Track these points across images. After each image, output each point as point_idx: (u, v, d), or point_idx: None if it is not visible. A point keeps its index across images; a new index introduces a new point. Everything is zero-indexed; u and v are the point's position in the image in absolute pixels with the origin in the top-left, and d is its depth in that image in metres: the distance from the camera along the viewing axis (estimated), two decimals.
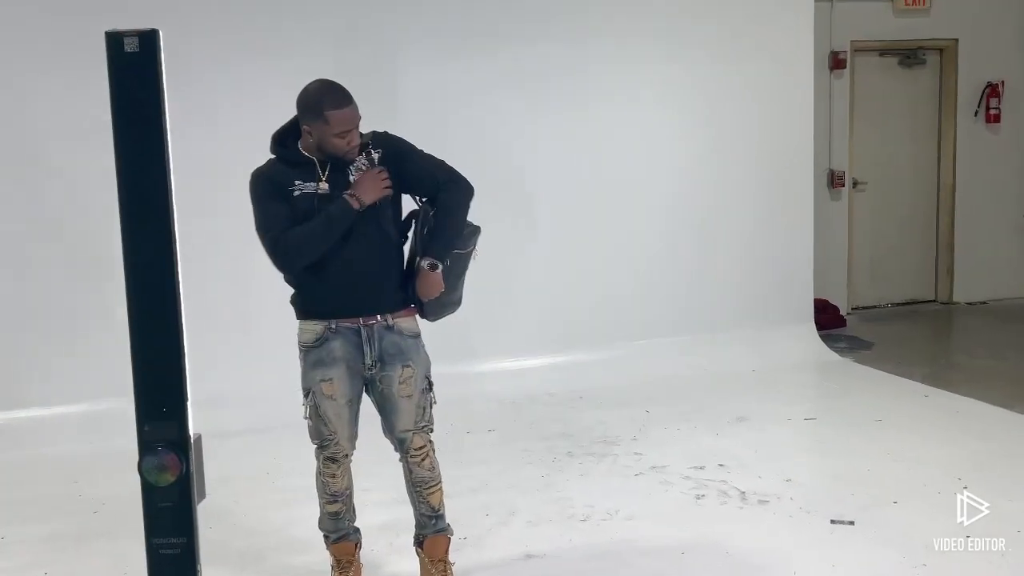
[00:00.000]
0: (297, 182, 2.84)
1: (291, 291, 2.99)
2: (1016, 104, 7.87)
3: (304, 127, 2.85)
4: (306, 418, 2.97)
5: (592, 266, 5.97)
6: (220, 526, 3.62)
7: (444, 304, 3.03)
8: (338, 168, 2.88)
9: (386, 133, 2.98)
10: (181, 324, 1.38)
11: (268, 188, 2.85)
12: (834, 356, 6.31)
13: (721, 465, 4.25)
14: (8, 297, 5.05)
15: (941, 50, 7.83)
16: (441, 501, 3.11)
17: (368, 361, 2.91)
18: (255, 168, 2.91)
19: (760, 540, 3.49)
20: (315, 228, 2.79)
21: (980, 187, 7.91)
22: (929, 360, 6.33)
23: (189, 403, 1.38)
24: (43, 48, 4.99)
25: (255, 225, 2.86)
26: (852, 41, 7.48)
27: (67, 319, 5.09)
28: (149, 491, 1.37)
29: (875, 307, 7.88)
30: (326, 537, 3.16)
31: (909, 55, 7.76)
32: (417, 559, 3.16)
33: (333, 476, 3.04)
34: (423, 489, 3.06)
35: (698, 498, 3.91)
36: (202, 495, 1.44)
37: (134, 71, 1.32)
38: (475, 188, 3.01)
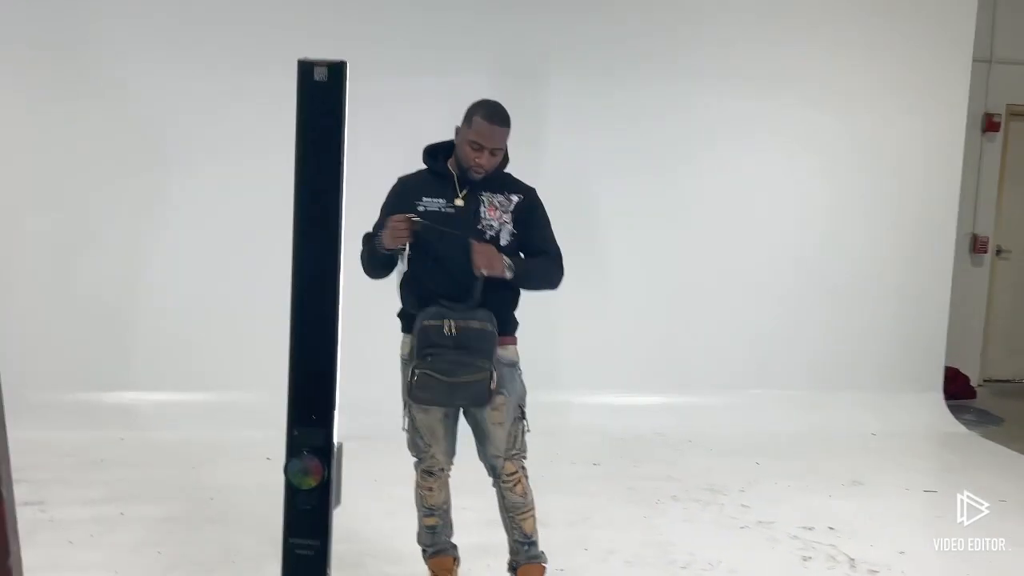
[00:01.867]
0: (425, 199, 2.91)
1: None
2: None
3: (458, 125, 2.96)
4: (404, 430, 3.06)
5: (716, 309, 5.90)
6: None
7: (439, 400, 2.92)
8: (474, 192, 2.94)
9: (536, 191, 3.04)
10: (338, 339, 1.46)
11: (392, 199, 3.00)
12: (960, 428, 6.05)
13: (831, 528, 4.13)
14: (156, 284, 5.33)
15: None
16: (534, 528, 3.12)
17: None
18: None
19: None
20: (363, 253, 2.97)
21: None
22: None
23: (337, 412, 1.45)
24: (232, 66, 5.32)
25: None
26: (1008, 104, 7.21)
27: (206, 311, 5.34)
28: (292, 493, 1.44)
29: (1009, 381, 7.52)
30: (424, 551, 3.22)
31: None
32: None
33: (430, 489, 3.11)
34: (515, 515, 3.09)
35: (804, 559, 3.80)
36: (338, 502, 1.50)
37: (321, 99, 1.41)
38: (565, 275, 3.07)
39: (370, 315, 5.27)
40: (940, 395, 6.26)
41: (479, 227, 2.90)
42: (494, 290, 2.89)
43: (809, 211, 5.99)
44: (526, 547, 3.12)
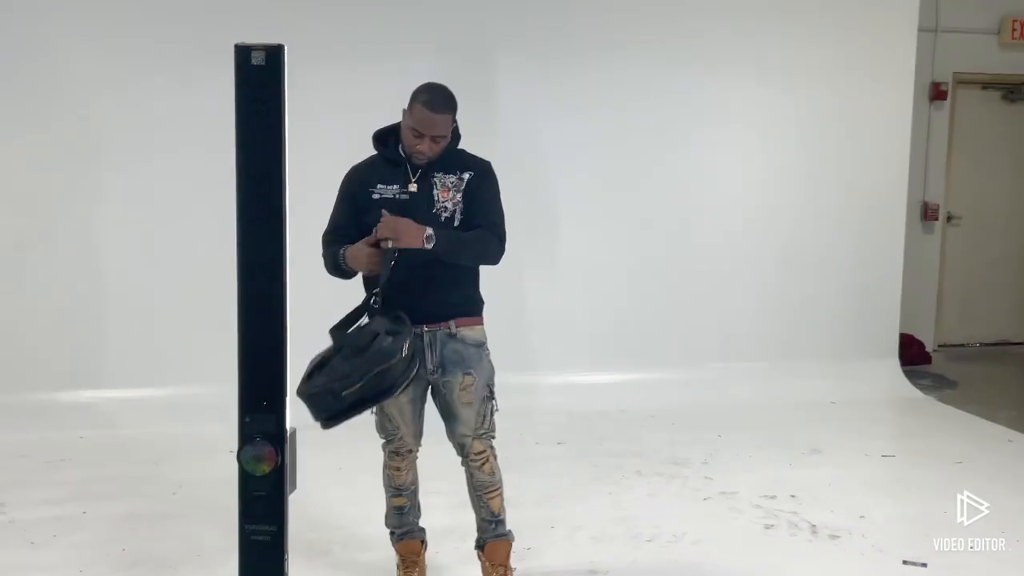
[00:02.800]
0: (380, 185, 2.90)
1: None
2: None
3: (403, 110, 2.91)
4: (372, 412, 3.02)
5: (673, 285, 5.95)
6: (290, 517, 3.69)
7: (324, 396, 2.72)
8: (427, 175, 2.90)
9: (490, 165, 3.01)
10: (286, 324, 1.44)
11: (347, 187, 2.98)
12: (917, 393, 6.16)
13: (793, 496, 4.19)
14: (110, 281, 5.25)
15: None
16: (502, 506, 3.13)
17: (429, 366, 2.94)
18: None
19: (829, 575, 3.43)
20: (328, 259, 2.94)
21: None
22: (1016, 404, 6.13)
23: (288, 398, 1.44)
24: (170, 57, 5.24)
25: None
26: (954, 73, 7.31)
27: (161, 306, 5.28)
28: (245, 479, 1.43)
29: (963, 345, 7.67)
30: (392, 534, 3.22)
31: (1012, 90, 7.55)
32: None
33: (398, 469, 3.11)
34: (483, 493, 3.09)
35: (767, 528, 3.86)
36: (293, 487, 1.49)
37: (259, 83, 1.39)
38: (506, 249, 2.96)
39: (332, 302, 5.30)
40: (896, 361, 6.37)
41: (434, 211, 2.87)
42: (449, 269, 2.89)
43: (762, 186, 6.05)
44: (493, 525, 3.13)
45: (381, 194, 2.89)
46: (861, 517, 3.96)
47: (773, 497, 4.18)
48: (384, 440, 3.11)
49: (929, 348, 7.25)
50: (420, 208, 2.86)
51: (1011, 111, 7.61)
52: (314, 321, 4.83)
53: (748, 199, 6.04)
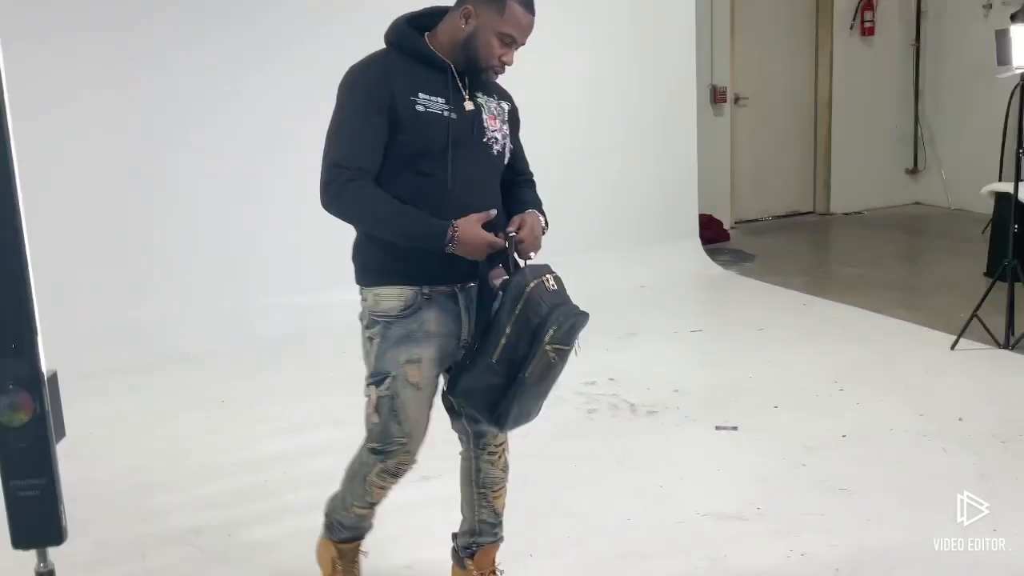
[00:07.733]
0: (422, 95, 2.18)
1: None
2: (890, 17, 8.08)
3: (468, 7, 2.20)
4: (373, 412, 2.26)
5: None
6: (80, 467, 3.35)
7: (526, 412, 2.28)
8: (476, 88, 2.29)
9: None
10: (25, 255, 1.29)
11: (375, 93, 2.18)
12: (718, 269, 6.47)
13: (611, 379, 4.33)
14: None
15: None
16: (504, 504, 2.56)
17: (465, 334, 2.31)
18: (359, 61, 2.26)
19: (650, 449, 3.59)
20: (390, 219, 2.17)
21: (855, 100, 8.13)
22: (808, 270, 6.55)
23: (40, 338, 1.30)
24: None
25: (328, 129, 2.21)
26: None
27: None
28: (3, 432, 1.29)
29: (757, 220, 8.08)
30: (331, 527, 2.54)
31: None
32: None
33: (382, 489, 2.37)
34: (490, 491, 2.52)
35: (590, 412, 3.98)
36: (61, 434, 1.37)
37: None
38: None
39: (80, 217, 4.85)
40: (698, 241, 6.65)
41: (485, 140, 2.30)
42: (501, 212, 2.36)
43: (557, 79, 6.02)
44: (493, 527, 2.56)
45: (426, 107, 2.18)
46: (675, 391, 4.14)
47: (593, 383, 4.29)
48: (378, 450, 2.29)
49: (727, 225, 7.59)
50: (469, 135, 2.26)
51: None
52: (61, 244, 4.45)
53: (541, 97, 5.98)
